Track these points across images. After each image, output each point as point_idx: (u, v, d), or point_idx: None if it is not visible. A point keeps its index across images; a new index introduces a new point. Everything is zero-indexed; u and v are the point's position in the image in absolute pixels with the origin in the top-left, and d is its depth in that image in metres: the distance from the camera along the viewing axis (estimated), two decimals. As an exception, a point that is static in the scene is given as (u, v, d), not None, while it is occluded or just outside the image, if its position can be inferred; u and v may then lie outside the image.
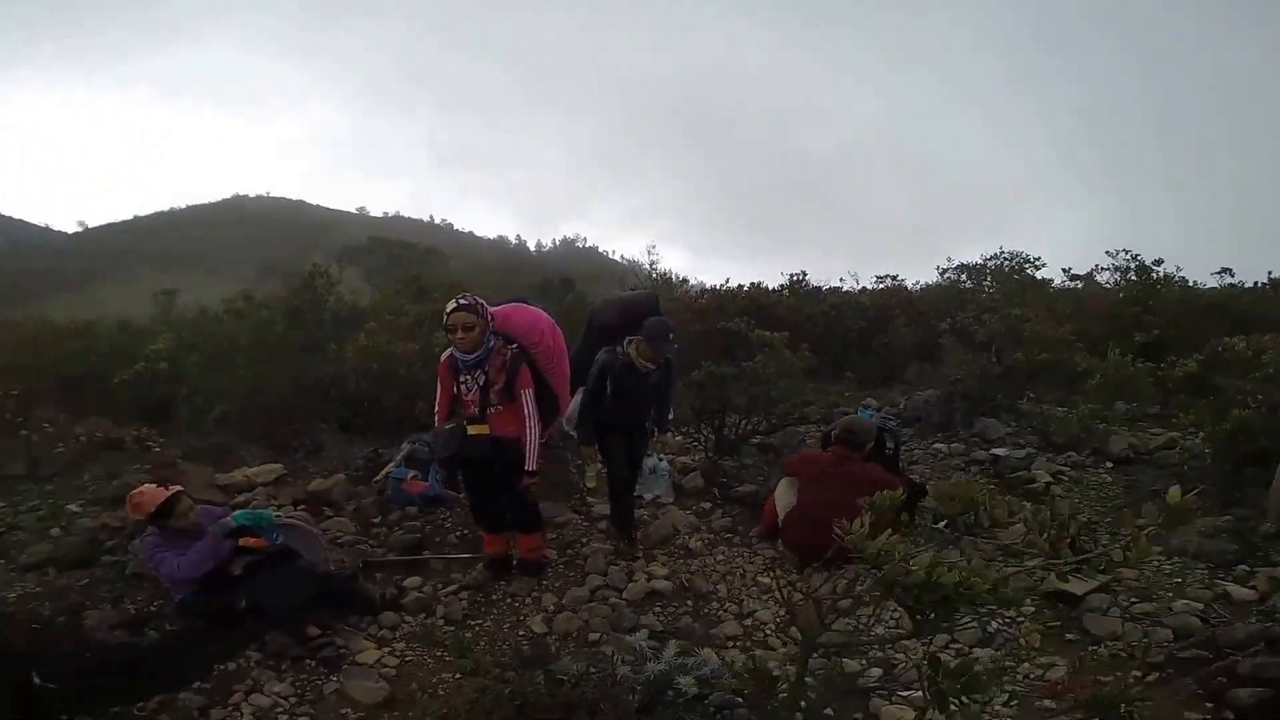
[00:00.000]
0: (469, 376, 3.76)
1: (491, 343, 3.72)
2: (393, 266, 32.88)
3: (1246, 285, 10.03)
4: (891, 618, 3.58)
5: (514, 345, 3.84)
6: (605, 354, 4.30)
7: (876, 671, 3.37)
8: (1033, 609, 3.80)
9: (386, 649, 3.53)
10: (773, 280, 12.94)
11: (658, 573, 4.29)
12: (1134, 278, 10.42)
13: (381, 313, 8.84)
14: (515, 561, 4.23)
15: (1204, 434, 5.06)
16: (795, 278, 12.98)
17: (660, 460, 5.52)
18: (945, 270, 16.40)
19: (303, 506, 4.87)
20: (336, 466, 5.76)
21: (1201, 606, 3.60)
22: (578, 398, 4.53)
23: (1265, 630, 3.22)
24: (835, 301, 11.53)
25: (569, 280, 20.46)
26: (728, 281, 12.75)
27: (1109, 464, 5.93)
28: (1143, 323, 7.81)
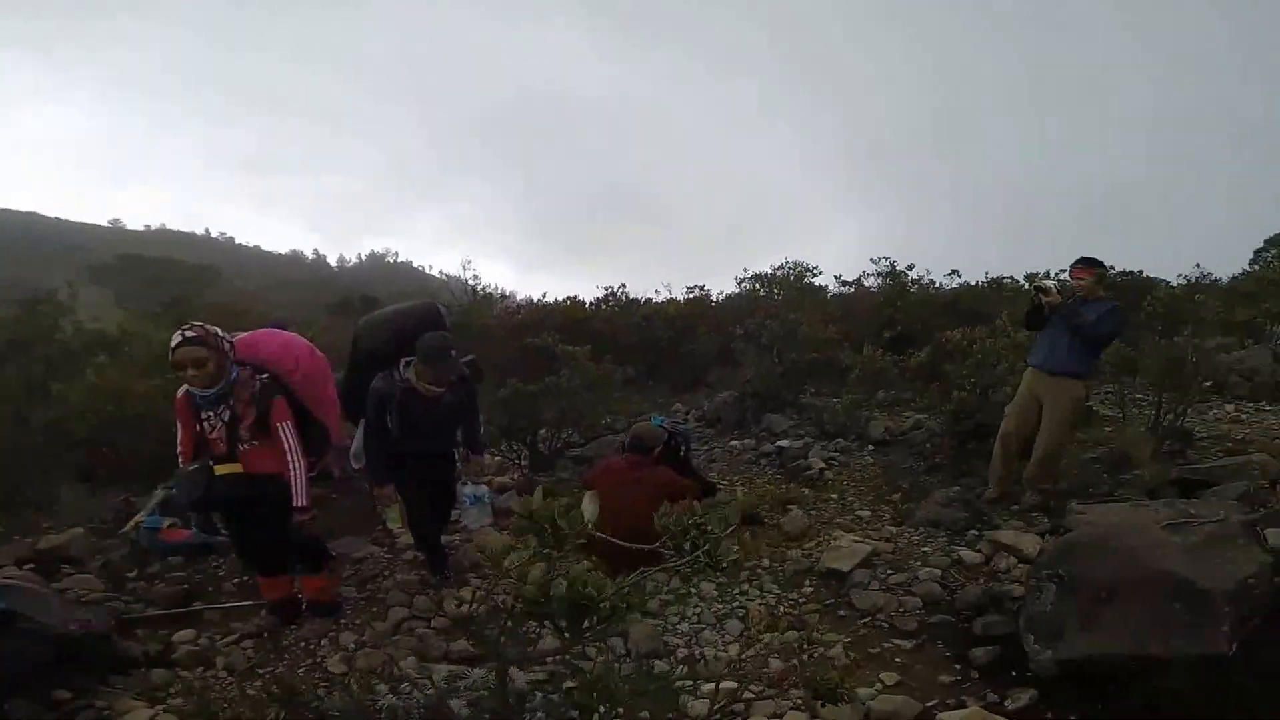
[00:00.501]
0: (211, 413, 3.40)
1: (235, 374, 3.39)
2: (151, 288, 29.02)
3: (971, 284, 12.04)
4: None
5: (265, 375, 3.52)
6: (381, 381, 3.88)
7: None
8: (811, 589, 4.17)
9: (160, 706, 3.17)
10: (593, 294, 13.28)
11: (469, 597, 4.18)
12: (889, 282, 12.01)
13: (123, 343, 7.75)
14: (304, 603, 3.93)
15: (935, 415, 5.96)
16: (611, 291, 13.42)
17: (478, 486, 5.38)
18: (742, 280, 17.83)
19: (29, 566, 4.21)
20: (76, 520, 5.05)
21: (939, 573, 4.10)
22: (361, 430, 4.20)
23: (989, 590, 3.75)
24: (646, 313, 12.11)
25: (371, 298, 19.32)
26: (544, 296, 12.84)
27: (871, 446, 6.76)
28: (893, 320, 9.03)
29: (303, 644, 3.74)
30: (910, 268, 12.76)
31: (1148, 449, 5.33)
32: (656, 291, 15.25)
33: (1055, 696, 2.85)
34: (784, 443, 6.87)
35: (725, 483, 6.14)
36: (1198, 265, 13.33)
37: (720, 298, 16.93)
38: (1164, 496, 4.46)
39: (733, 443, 7.35)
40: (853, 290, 13.73)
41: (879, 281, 13.59)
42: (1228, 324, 7.71)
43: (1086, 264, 4.70)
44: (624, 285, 13.87)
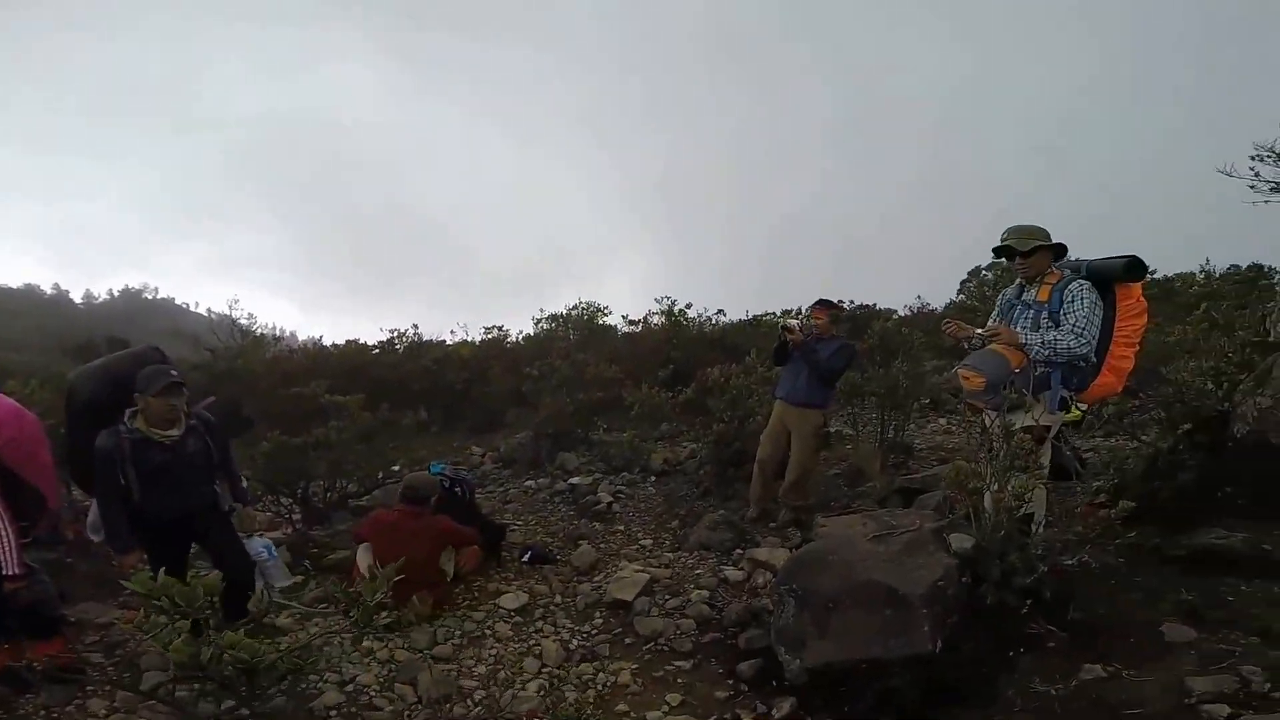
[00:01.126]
0: None
1: None
2: None
3: (734, 321, 13.31)
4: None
5: None
6: (106, 438, 3.44)
7: None
8: (601, 620, 4.35)
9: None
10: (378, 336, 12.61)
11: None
12: (667, 320, 12.85)
13: None
14: (39, 671, 3.49)
15: (702, 445, 6.52)
16: (397, 333, 12.85)
17: (262, 538, 4.89)
18: (539, 320, 18.02)
19: None
20: None
21: (708, 594, 4.43)
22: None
23: (750, 606, 4.09)
24: (438, 356, 11.78)
25: (120, 340, 16.64)
26: (320, 339, 11.96)
27: (653, 478, 7.21)
28: (669, 358, 9.70)
29: (43, 712, 3.41)
30: (689, 306, 13.76)
31: (877, 463, 6.28)
32: (452, 332, 14.96)
33: (811, 702, 3.17)
34: (576, 480, 7.09)
35: (519, 523, 6.18)
36: (919, 296, 15.51)
37: (519, 338, 17.11)
38: (890, 505, 5.30)
39: (528, 483, 7.42)
40: (639, 329, 14.48)
41: (661, 320, 14.53)
42: (939, 348, 9.29)
43: (823, 305, 5.50)
44: (416, 326, 13.44)
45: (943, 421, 8.80)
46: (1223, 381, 3.76)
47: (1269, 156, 5.03)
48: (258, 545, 4.25)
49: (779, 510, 5.52)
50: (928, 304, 15.85)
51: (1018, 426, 3.27)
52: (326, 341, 12.56)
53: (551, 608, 4.56)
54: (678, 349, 10.69)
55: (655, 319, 14.07)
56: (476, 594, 4.73)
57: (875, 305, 14.19)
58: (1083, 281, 3.49)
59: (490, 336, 15.84)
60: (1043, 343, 3.45)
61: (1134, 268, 3.45)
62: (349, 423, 5.68)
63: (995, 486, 2.91)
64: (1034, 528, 3.27)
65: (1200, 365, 3.99)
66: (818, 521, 4.71)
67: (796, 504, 5.43)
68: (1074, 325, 3.40)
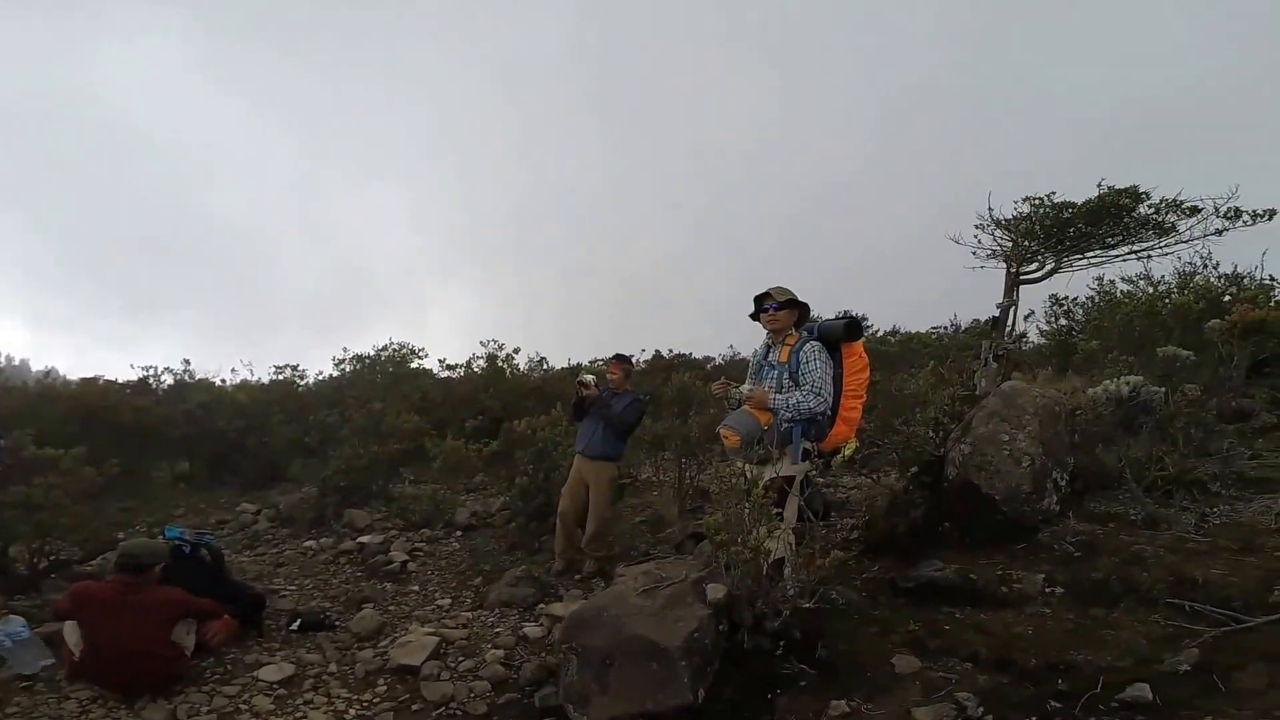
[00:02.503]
0: None
1: None
2: None
3: (554, 368, 13.38)
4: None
5: None
6: None
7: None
8: (385, 687, 4.05)
9: None
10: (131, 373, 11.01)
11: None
12: (488, 366, 12.58)
13: None
14: None
15: (508, 498, 6.46)
16: (152, 371, 11.30)
17: (8, 621, 4.17)
18: (341, 361, 16.68)
19: None
20: None
21: (503, 653, 4.31)
22: None
23: (544, 663, 4.00)
24: (205, 400, 10.50)
25: None
26: (49, 375, 10.22)
27: (459, 532, 6.96)
28: (484, 406, 9.52)
29: None
30: (516, 350, 13.48)
31: (675, 509, 6.59)
32: (233, 370, 13.45)
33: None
34: (365, 538, 6.66)
35: (291, 588, 5.66)
36: (730, 345, 16.24)
37: (315, 380, 15.65)
38: (687, 549, 5.56)
39: (308, 543, 6.83)
40: (458, 374, 13.89)
41: (483, 365, 14.06)
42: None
43: (619, 360, 5.76)
44: (188, 362, 11.93)
45: (739, 465, 9.46)
46: (940, 430, 4.46)
47: (988, 226, 6.14)
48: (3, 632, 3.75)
49: (584, 561, 5.58)
50: (739, 353, 16.71)
51: (765, 479, 3.59)
52: (69, 374, 10.78)
53: (324, 677, 4.18)
54: (494, 397, 10.50)
55: (479, 364, 13.64)
56: (229, 667, 4.25)
57: (690, 354, 14.76)
58: (814, 343, 3.91)
59: (281, 378, 14.46)
60: (787, 405, 3.82)
61: (852, 328, 3.93)
62: (66, 479, 4.88)
63: (752, 536, 3.18)
64: (785, 570, 3.60)
65: (924, 415, 4.69)
66: (619, 571, 4.83)
67: (600, 555, 5.53)
68: (812, 385, 3.81)
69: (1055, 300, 10.24)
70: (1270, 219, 5.48)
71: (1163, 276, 7.74)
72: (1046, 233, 5.57)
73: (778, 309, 3.96)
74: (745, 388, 4.01)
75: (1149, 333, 5.62)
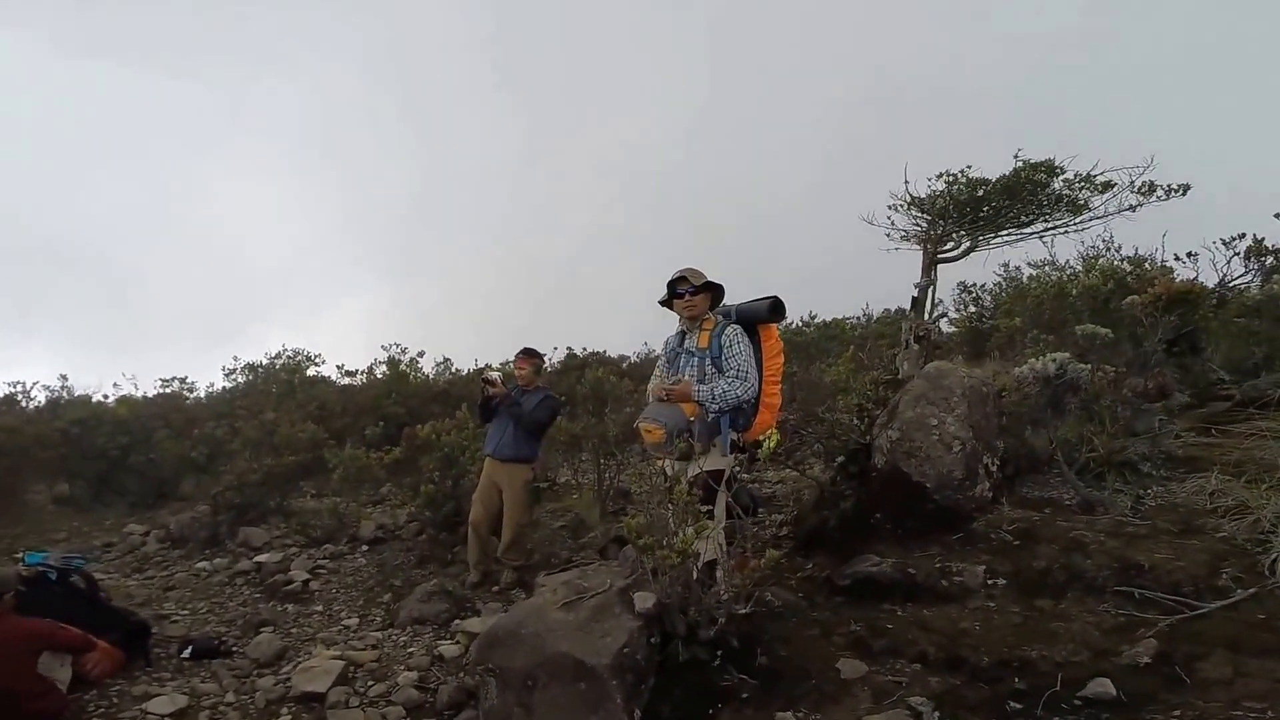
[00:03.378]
0: None
1: None
2: None
3: (461, 372, 12.82)
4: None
5: None
6: None
7: None
8: (289, 716, 3.66)
9: None
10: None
11: None
12: (390, 371, 11.95)
13: None
14: None
15: (413, 508, 6.02)
16: (20, 387, 10.16)
17: None
18: (232, 371, 15.62)
19: None
20: None
21: (416, 676, 3.94)
22: None
23: (463, 685, 3.67)
24: (82, 415, 9.52)
25: None
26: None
27: (365, 546, 6.47)
28: (385, 412, 8.96)
29: None
30: (420, 355, 12.91)
31: (597, 510, 6.33)
32: (115, 385, 12.29)
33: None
34: (263, 557, 6.11)
35: (184, 613, 5.10)
36: (645, 343, 16.05)
37: (208, 392, 14.60)
38: (610, 553, 5.30)
39: (201, 564, 6.22)
40: (362, 380, 13.20)
41: (385, 371, 13.40)
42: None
43: (527, 355, 5.40)
44: (65, 378, 10.86)
45: (660, 464, 9.31)
46: (864, 416, 4.38)
47: (901, 206, 6.13)
48: None
49: (501, 571, 5.23)
50: (652, 350, 16.44)
51: (690, 475, 3.39)
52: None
53: (221, 708, 3.74)
54: (397, 403, 9.91)
55: (380, 369, 12.98)
56: (115, 700, 3.75)
57: (604, 352, 14.50)
58: (735, 326, 3.71)
59: (169, 391, 13.41)
60: (713, 396, 3.55)
61: (777, 309, 3.75)
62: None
63: (679, 538, 2.95)
64: (718, 573, 3.39)
65: (847, 402, 4.60)
66: (540, 582, 4.53)
67: (517, 563, 5.19)
68: (738, 370, 3.60)
69: (964, 287, 10.59)
70: (1184, 194, 5.63)
71: (1068, 260, 8.09)
72: (960, 211, 5.62)
73: (694, 293, 3.74)
74: (656, 373, 3.83)
75: (1059, 315, 5.80)
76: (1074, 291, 5.71)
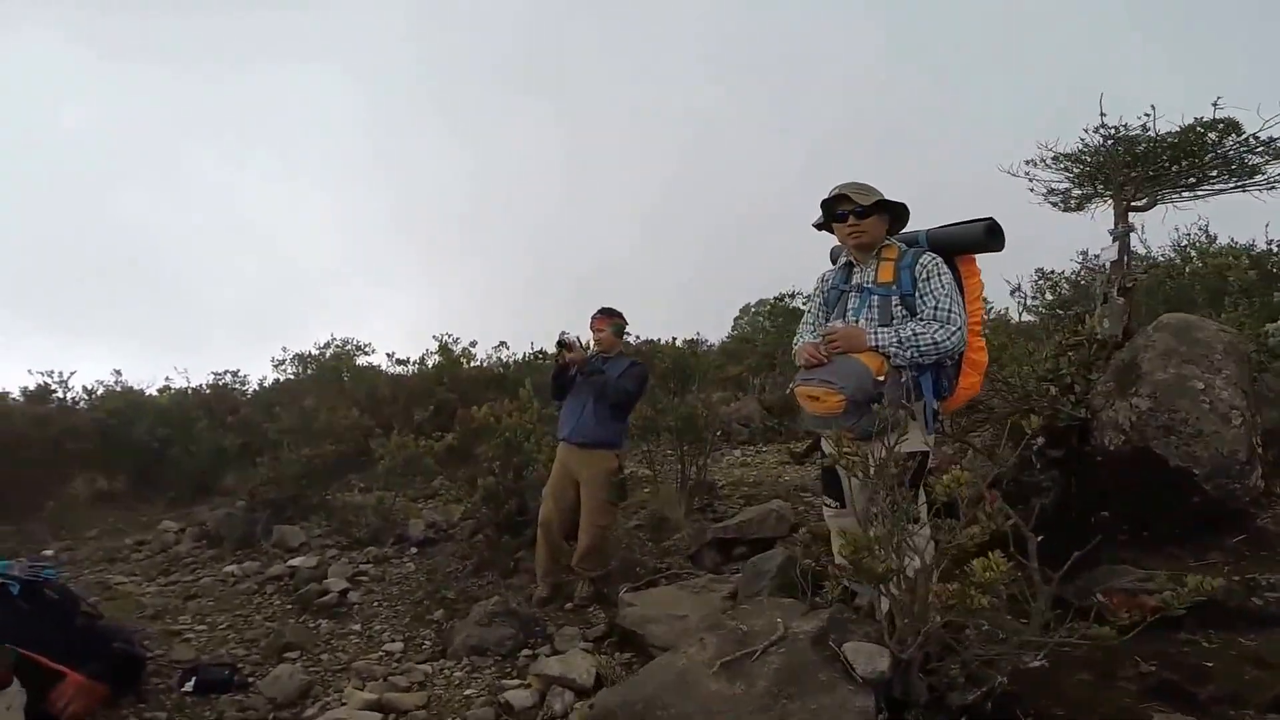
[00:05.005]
0: None
1: None
2: None
3: (518, 358, 11.93)
4: None
5: None
6: None
7: None
8: None
9: None
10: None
11: None
12: (441, 357, 11.13)
13: None
14: None
15: (469, 505, 5.08)
16: (56, 377, 9.67)
17: None
18: (281, 362, 15.24)
19: None
20: None
21: None
22: None
23: None
24: (116, 406, 8.99)
25: None
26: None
27: (414, 549, 5.57)
28: (439, 398, 8.10)
29: None
30: (473, 344, 12.16)
31: (682, 508, 5.29)
32: (167, 379, 11.93)
33: None
34: (297, 560, 5.27)
35: (201, 628, 4.26)
36: (697, 332, 15.31)
37: (260, 385, 14.29)
38: (705, 560, 4.26)
39: (230, 567, 5.41)
40: (414, 369, 12.60)
41: (437, 359, 12.80)
42: (722, 379, 8.84)
43: (605, 315, 4.34)
44: (119, 373, 10.44)
45: (737, 454, 8.20)
46: (1074, 384, 3.21)
47: (1045, 161, 4.96)
48: None
49: (575, 583, 4.23)
50: (704, 339, 15.83)
51: (879, 461, 2.30)
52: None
53: None
54: (450, 389, 9.06)
55: (432, 359, 12.39)
56: None
57: (659, 339, 13.68)
58: (933, 254, 2.69)
59: (221, 384, 13.05)
60: (900, 340, 2.53)
61: (996, 233, 2.69)
62: None
63: (905, 559, 1.87)
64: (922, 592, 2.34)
65: (1034, 368, 3.44)
66: (623, 599, 3.53)
67: (595, 573, 4.17)
68: (939, 311, 2.56)
69: (1042, 273, 9.00)
70: None
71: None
72: (1107, 176, 4.46)
73: (862, 215, 2.70)
74: (815, 322, 2.76)
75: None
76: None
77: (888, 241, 2.78)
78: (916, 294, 2.62)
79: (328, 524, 6.17)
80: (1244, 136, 4.07)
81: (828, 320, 2.85)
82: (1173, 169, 4.44)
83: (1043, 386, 3.29)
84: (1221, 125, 4.29)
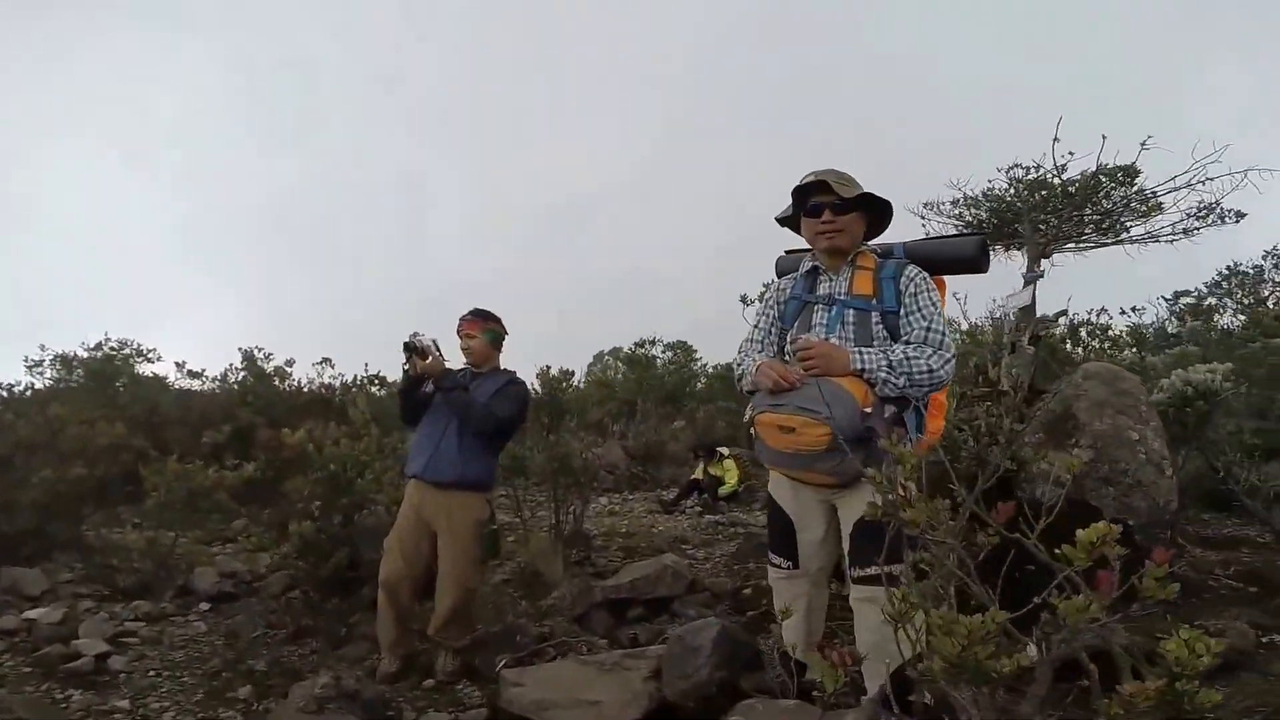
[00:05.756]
0: None
1: None
2: None
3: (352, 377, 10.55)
4: None
5: None
6: None
7: None
8: None
9: None
10: None
11: None
12: (247, 373, 9.55)
13: None
14: None
15: (277, 556, 4.05)
16: None
17: None
18: (38, 364, 12.41)
19: None
20: None
21: None
22: None
23: None
24: None
25: None
26: None
27: (205, 605, 4.39)
28: (236, 418, 6.74)
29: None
30: (291, 362, 10.55)
31: (558, 561, 4.62)
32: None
33: None
34: (36, 613, 3.94)
35: None
36: (563, 366, 14.69)
37: (10, 390, 11.44)
38: (595, 623, 3.63)
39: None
40: (216, 385, 10.65)
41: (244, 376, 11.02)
42: (585, 424, 8.35)
43: (479, 316, 3.46)
44: None
45: (604, 501, 7.70)
46: (993, 436, 3.08)
47: (943, 204, 5.09)
48: None
49: (440, 656, 3.37)
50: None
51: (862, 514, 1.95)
52: None
53: None
54: (256, 411, 7.59)
55: (238, 375, 10.52)
56: None
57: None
58: (918, 267, 2.33)
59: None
60: (891, 364, 2.11)
61: (986, 252, 2.40)
62: None
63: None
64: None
65: (957, 416, 3.31)
66: (504, 678, 2.81)
67: (460, 643, 3.36)
68: (931, 333, 2.19)
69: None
70: (1238, 221, 4.95)
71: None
72: (1016, 218, 4.69)
73: (841, 209, 2.27)
74: (809, 336, 2.25)
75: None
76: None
77: (863, 248, 2.40)
78: (902, 311, 2.24)
79: (80, 567, 4.75)
80: (1136, 188, 4.31)
81: (789, 330, 2.39)
82: (1075, 216, 4.61)
83: (961, 437, 3.14)
84: (1120, 173, 4.45)
